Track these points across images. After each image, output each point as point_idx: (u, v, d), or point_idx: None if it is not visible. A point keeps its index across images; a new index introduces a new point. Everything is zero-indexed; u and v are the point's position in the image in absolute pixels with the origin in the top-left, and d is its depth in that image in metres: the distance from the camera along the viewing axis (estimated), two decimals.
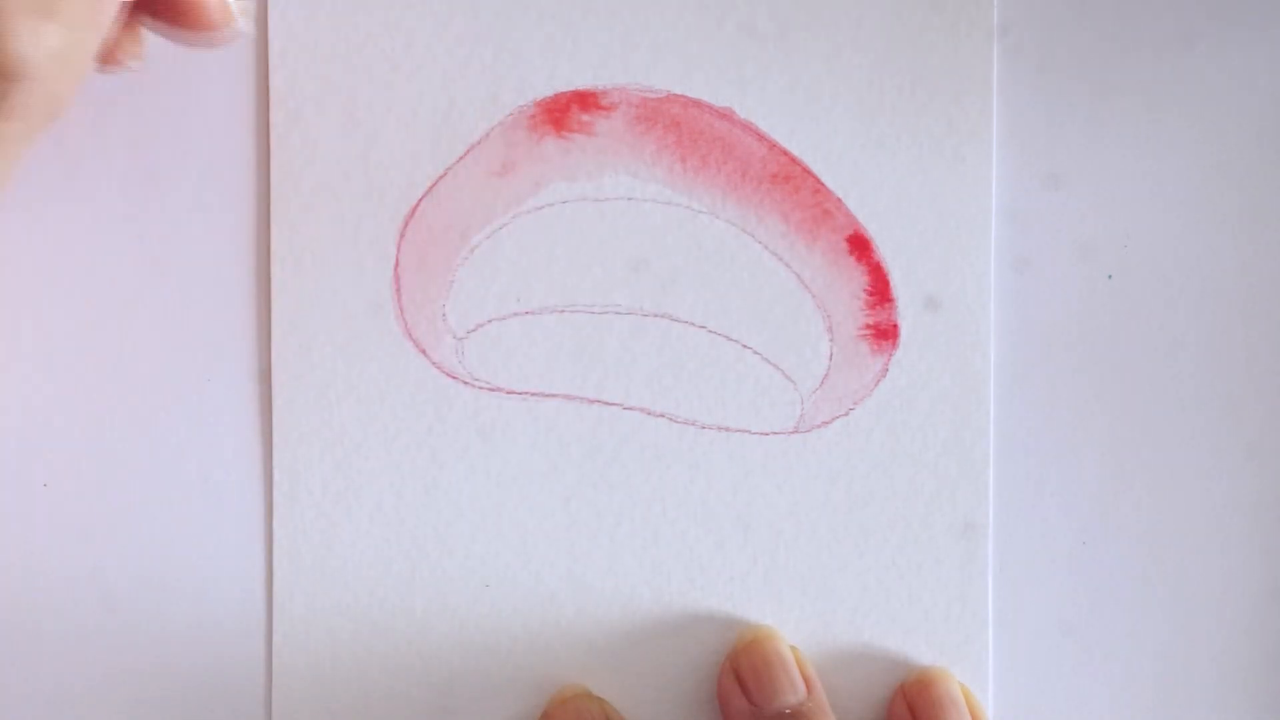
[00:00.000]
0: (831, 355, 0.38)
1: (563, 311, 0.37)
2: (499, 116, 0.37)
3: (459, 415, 0.37)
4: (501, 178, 0.37)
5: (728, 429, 0.38)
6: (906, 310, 0.38)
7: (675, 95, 0.37)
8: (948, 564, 0.38)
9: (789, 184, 0.37)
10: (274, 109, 0.37)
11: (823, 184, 0.37)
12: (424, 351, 0.37)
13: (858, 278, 0.38)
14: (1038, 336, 0.38)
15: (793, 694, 0.36)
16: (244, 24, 0.32)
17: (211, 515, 0.37)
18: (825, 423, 0.38)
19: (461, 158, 0.37)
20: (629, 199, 0.37)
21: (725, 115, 0.37)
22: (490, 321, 0.37)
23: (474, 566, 0.37)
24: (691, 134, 0.37)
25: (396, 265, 0.37)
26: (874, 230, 0.37)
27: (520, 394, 0.37)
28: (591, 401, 0.37)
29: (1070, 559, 0.38)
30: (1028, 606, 0.38)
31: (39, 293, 0.37)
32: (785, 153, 0.37)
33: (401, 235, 0.37)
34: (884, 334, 0.38)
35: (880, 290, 0.38)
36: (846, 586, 0.38)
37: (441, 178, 0.37)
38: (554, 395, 0.37)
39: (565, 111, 0.37)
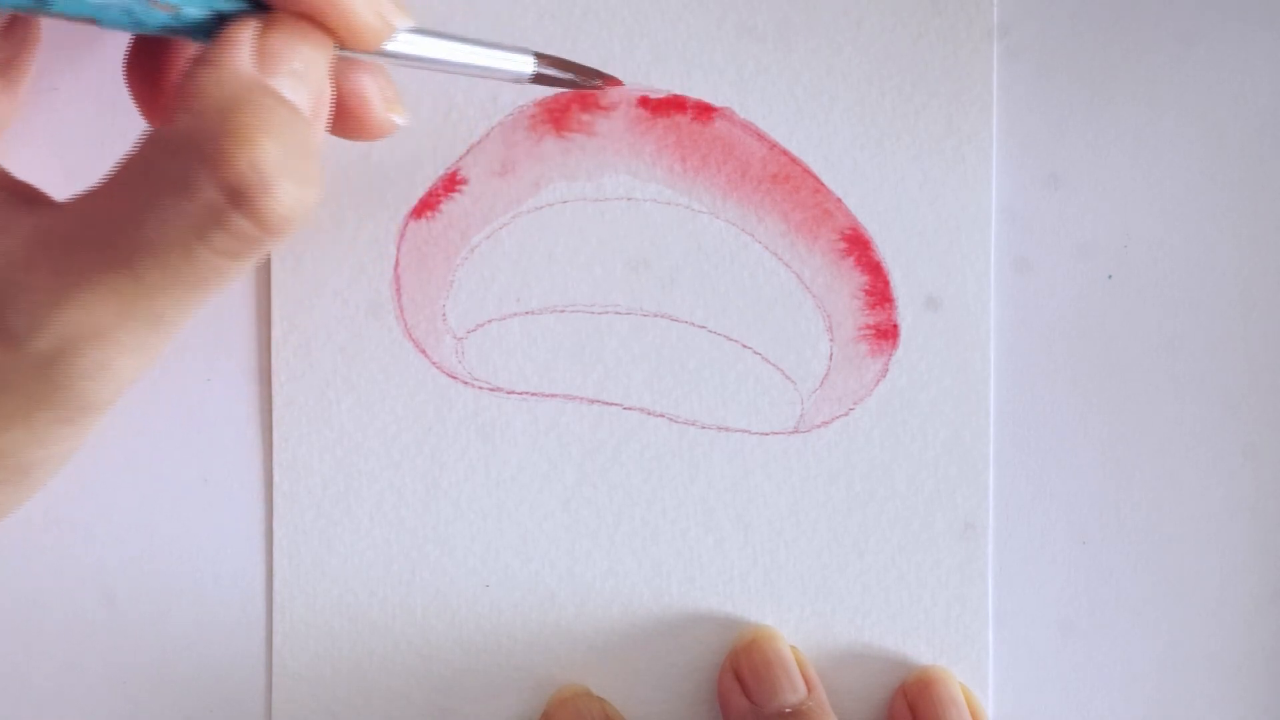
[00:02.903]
0: (831, 355, 0.38)
1: (563, 311, 0.37)
2: (499, 116, 0.37)
3: (459, 415, 0.37)
4: (501, 178, 0.37)
5: (728, 429, 0.38)
6: (906, 310, 0.38)
7: (675, 95, 0.37)
8: (948, 564, 0.38)
9: (789, 184, 0.37)
10: None
11: (822, 184, 0.37)
12: (424, 351, 0.37)
13: (857, 278, 0.38)
14: (1038, 336, 0.38)
15: (793, 693, 0.36)
16: (400, 119, 0.33)
17: (211, 515, 0.37)
18: (825, 423, 0.38)
19: (461, 158, 0.37)
20: (629, 199, 0.37)
21: (725, 115, 0.37)
22: (490, 321, 0.37)
23: (474, 566, 0.38)
24: (691, 134, 0.37)
25: (396, 265, 0.37)
26: (874, 230, 0.37)
27: (520, 394, 0.37)
28: (591, 401, 0.37)
29: (1070, 559, 0.38)
30: (1028, 606, 0.38)
31: None
32: (785, 153, 0.37)
33: (401, 235, 0.37)
34: (884, 334, 0.38)
35: (880, 290, 0.38)
36: (846, 586, 0.38)
37: (442, 177, 0.37)
38: (554, 395, 0.37)
39: (565, 111, 0.37)
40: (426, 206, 0.37)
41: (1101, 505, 0.38)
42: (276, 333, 0.37)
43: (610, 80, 0.36)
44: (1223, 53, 0.38)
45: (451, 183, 0.37)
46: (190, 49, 0.31)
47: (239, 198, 0.26)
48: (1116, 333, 0.38)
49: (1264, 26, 0.38)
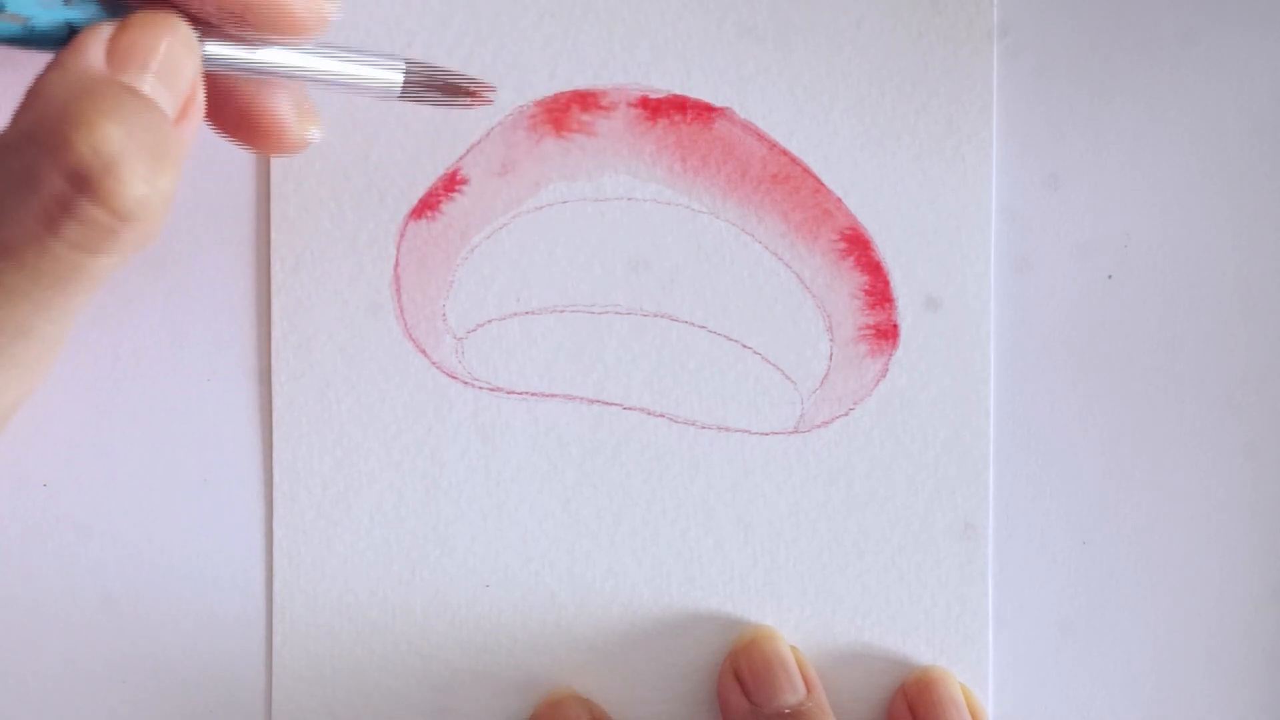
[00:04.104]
0: (831, 355, 0.38)
1: (563, 311, 0.37)
2: (499, 116, 0.37)
3: (459, 415, 0.37)
4: (501, 178, 0.37)
5: (728, 429, 0.38)
6: (906, 310, 0.38)
7: (675, 95, 0.37)
8: (948, 564, 0.38)
9: (789, 184, 0.37)
10: None
11: (822, 184, 0.37)
12: (424, 351, 0.37)
13: (857, 278, 0.38)
14: (1038, 336, 0.38)
15: (793, 694, 0.36)
16: (316, 135, 0.32)
17: (211, 515, 0.37)
18: (825, 423, 0.38)
19: (461, 158, 0.37)
20: (629, 199, 0.37)
21: (725, 115, 0.37)
22: (490, 321, 0.37)
23: (474, 566, 0.37)
24: (691, 134, 0.37)
25: (396, 265, 0.37)
26: (874, 230, 0.37)
27: (520, 394, 0.37)
28: (591, 401, 0.37)
29: (1070, 559, 0.38)
30: (1028, 606, 0.38)
31: None
32: (785, 153, 0.37)
33: (401, 235, 0.37)
34: (884, 334, 0.38)
35: (880, 290, 0.38)
36: (846, 586, 0.38)
37: (442, 177, 0.37)
38: (554, 395, 0.37)
39: (565, 111, 0.37)
40: (426, 206, 0.37)
41: (1101, 505, 0.38)
42: (276, 333, 0.37)
43: (483, 87, 0.35)
44: (1223, 53, 0.38)
45: (451, 183, 0.37)
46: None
47: (83, 182, 0.25)
48: (1116, 333, 0.38)
49: (1264, 26, 0.38)
